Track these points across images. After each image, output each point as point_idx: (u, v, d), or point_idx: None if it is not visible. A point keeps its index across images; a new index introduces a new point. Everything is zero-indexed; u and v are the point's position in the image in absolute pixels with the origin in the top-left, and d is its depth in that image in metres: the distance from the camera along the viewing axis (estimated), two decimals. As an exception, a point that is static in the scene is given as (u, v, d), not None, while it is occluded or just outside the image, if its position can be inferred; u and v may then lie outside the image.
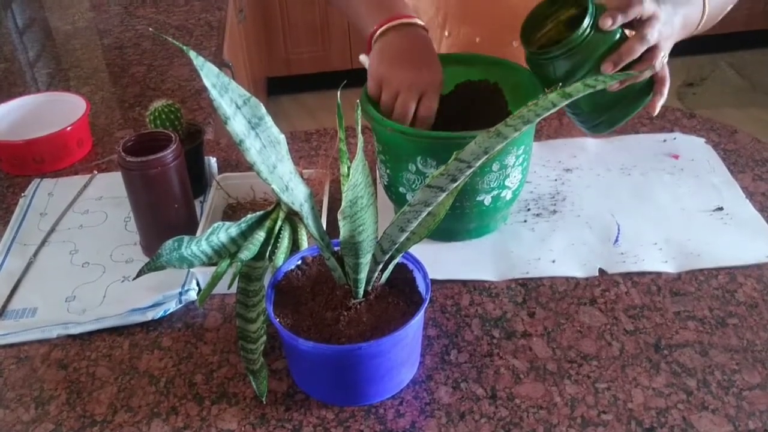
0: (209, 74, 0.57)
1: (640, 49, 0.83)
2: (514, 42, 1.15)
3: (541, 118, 0.56)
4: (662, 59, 0.86)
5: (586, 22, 0.83)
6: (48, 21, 1.74)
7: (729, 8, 1.01)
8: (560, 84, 0.87)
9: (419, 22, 0.91)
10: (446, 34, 1.18)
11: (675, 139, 1.10)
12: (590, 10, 0.83)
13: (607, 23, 0.83)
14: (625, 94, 0.89)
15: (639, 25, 0.84)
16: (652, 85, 0.89)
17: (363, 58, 0.89)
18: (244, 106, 0.60)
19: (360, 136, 0.64)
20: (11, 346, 0.82)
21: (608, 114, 0.91)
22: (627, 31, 0.86)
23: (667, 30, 0.85)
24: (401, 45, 0.89)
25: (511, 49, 1.15)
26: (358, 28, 0.98)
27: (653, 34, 0.83)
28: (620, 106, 0.90)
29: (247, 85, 2.42)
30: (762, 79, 3.33)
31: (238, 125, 0.60)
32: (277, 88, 3.34)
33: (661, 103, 0.89)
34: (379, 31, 0.90)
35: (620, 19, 0.83)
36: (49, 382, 0.77)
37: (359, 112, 0.70)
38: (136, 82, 1.40)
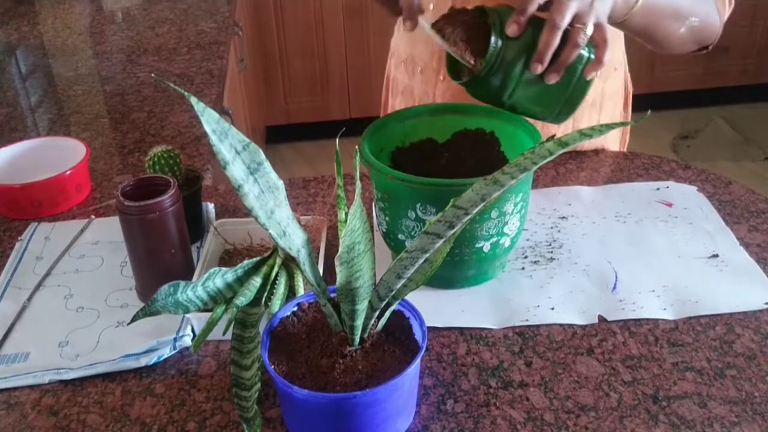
0: (209, 120, 0.58)
1: (556, 37, 0.82)
2: None
3: (538, 166, 0.57)
4: (586, 32, 0.84)
5: (492, 38, 0.83)
6: (51, 67, 1.77)
7: (693, 20, 1.00)
8: (505, 95, 0.87)
9: None
10: (441, 78, 1.20)
11: (668, 187, 1.11)
12: (492, 24, 0.83)
13: (513, 30, 0.82)
14: (568, 78, 0.88)
15: (549, 10, 0.83)
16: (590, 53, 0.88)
17: (423, 22, 0.88)
18: (243, 151, 0.61)
19: (358, 182, 0.65)
20: (2, 391, 0.81)
21: (562, 100, 0.90)
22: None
23: (582, 2, 0.83)
24: None
25: None
26: None
27: (564, 17, 0.82)
28: (569, 89, 0.89)
29: (246, 133, 2.44)
30: (755, 133, 3.37)
31: (237, 170, 0.60)
32: (275, 137, 3.37)
33: (597, 68, 0.87)
34: None
35: (523, 20, 0.82)
36: (39, 429, 0.76)
37: (357, 158, 0.71)
38: (136, 128, 1.41)
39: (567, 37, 0.84)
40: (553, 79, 0.86)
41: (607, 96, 1.22)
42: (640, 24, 0.97)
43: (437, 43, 0.88)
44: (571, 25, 0.84)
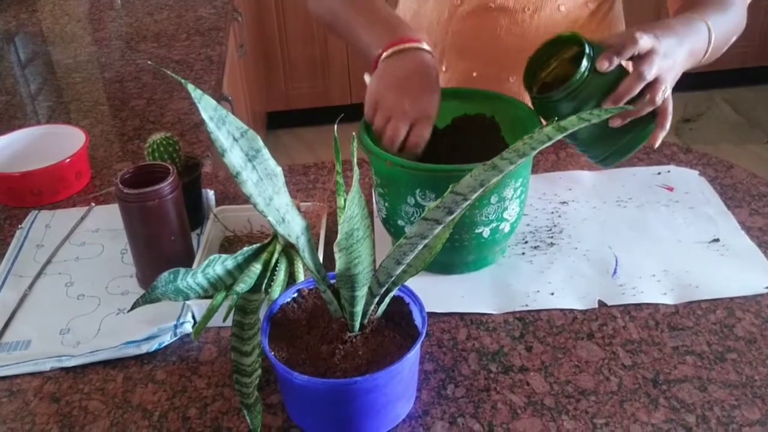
0: (207, 107, 0.58)
1: (638, 86, 0.84)
2: (511, 77, 1.16)
3: (537, 151, 0.57)
4: (663, 93, 0.86)
5: (584, 65, 0.84)
6: (50, 55, 1.76)
7: (734, 39, 1.02)
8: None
9: (425, 46, 0.91)
10: (443, 68, 1.20)
11: (669, 171, 1.11)
12: (587, 52, 0.85)
13: (604, 66, 0.84)
14: (628, 128, 0.89)
15: (637, 61, 0.85)
16: (655, 116, 0.89)
17: (368, 79, 0.90)
18: (241, 138, 0.60)
19: (356, 169, 0.65)
20: (3, 378, 0.81)
21: (614, 147, 0.91)
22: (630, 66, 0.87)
23: (667, 63, 0.85)
24: (403, 68, 0.89)
25: (508, 85, 1.16)
26: (362, 51, 0.97)
27: (651, 70, 0.84)
28: (625, 139, 0.90)
29: (247, 120, 2.44)
30: (758, 116, 3.36)
31: (235, 157, 0.60)
32: (276, 123, 3.36)
33: (662, 135, 0.90)
34: (384, 54, 0.90)
35: (616, 60, 0.84)
36: (41, 416, 0.76)
37: (355, 144, 0.70)
38: (136, 115, 1.41)
39: (645, 91, 0.86)
40: (616, 123, 0.88)
41: None
42: (711, 58, 0.98)
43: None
44: (649, 83, 0.85)
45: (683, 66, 0.89)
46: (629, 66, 0.87)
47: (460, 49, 1.17)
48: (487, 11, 1.12)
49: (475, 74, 1.18)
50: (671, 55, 0.86)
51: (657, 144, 0.91)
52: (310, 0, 1.12)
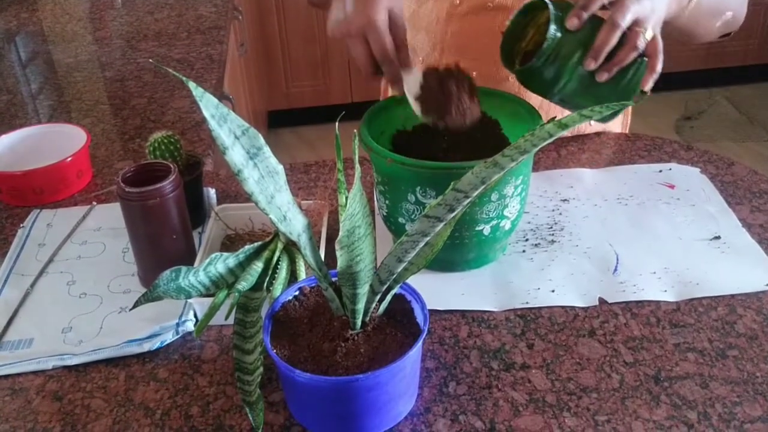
0: (208, 105, 0.58)
1: (615, 36, 0.82)
2: (510, 77, 1.16)
3: (538, 148, 0.57)
4: (644, 36, 0.83)
5: (552, 28, 0.83)
6: (51, 54, 1.76)
7: (729, 15, 1.00)
8: (556, 88, 0.87)
9: None
10: (420, 59, 1.20)
11: (671, 169, 1.11)
12: (552, 16, 0.83)
13: (573, 24, 0.82)
14: (619, 79, 0.87)
15: (610, 9, 0.82)
16: (645, 59, 0.87)
17: (408, 95, 0.89)
18: (242, 136, 0.61)
19: (357, 167, 0.65)
20: (6, 377, 0.81)
21: (612, 99, 0.88)
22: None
23: (643, 6, 0.83)
24: None
25: (507, 84, 1.16)
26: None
27: (625, 17, 0.81)
28: (618, 89, 0.88)
29: (248, 118, 2.44)
30: (759, 113, 3.36)
31: (236, 155, 0.60)
32: (277, 121, 3.36)
33: (652, 78, 0.86)
34: None
35: (585, 15, 0.82)
36: (44, 414, 0.76)
37: (356, 142, 0.70)
38: (137, 114, 1.41)
39: (624, 39, 0.84)
40: (603, 77, 0.85)
41: None
42: (684, 24, 0.97)
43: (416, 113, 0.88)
44: (629, 27, 0.83)
45: (665, 8, 0.87)
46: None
47: (459, 48, 1.17)
48: (485, 11, 1.12)
49: (474, 74, 1.18)
50: (646, 1, 0.83)
51: (647, 87, 0.87)
52: None
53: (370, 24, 0.84)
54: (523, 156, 0.57)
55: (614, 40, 0.82)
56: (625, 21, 0.82)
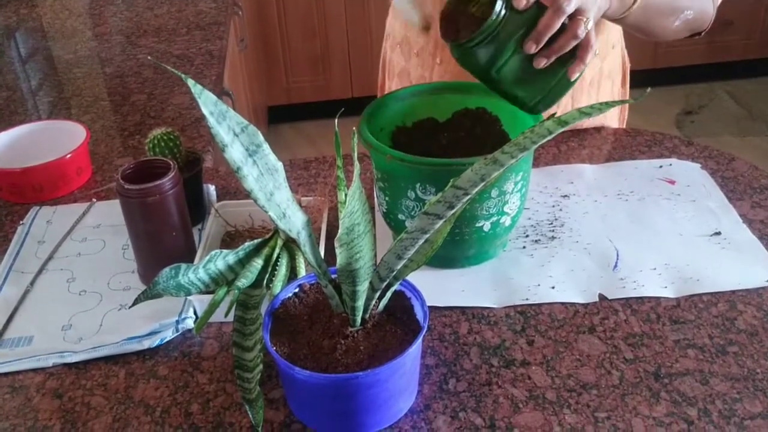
0: (207, 102, 0.58)
1: (558, 22, 0.81)
2: None
3: (538, 145, 0.56)
4: (585, 25, 0.82)
5: (498, 5, 0.81)
6: (51, 50, 1.76)
7: (690, 15, 1.00)
8: (493, 69, 0.85)
9: None
10: (438, 61, 1.19)
11: (671, 165, 1.11)
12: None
13: (520, 3, 0.81)
14: (556, 69, 0.86)
15: None
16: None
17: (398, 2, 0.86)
18: (241, 133, 0.60)
19: (357, 164, 0.65)
20: (6, 375, 0.81)
21: (545, 90, 0.87)
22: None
23: None
24: None
25: None
26: None
27: (570, 4, 0.81)
28: (553, 81, 0.87)
29: (248, 114, 2.44)
30: (760, 108, 3.35)
31: (235, 152, 0.60)
32: (277, 117, 3.36)
33: (580, 69, 0.85)
34: None
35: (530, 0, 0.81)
36: (44, 412, 0.76)
37: (355, 139, 0.70)
38: (137, 111, 1.41)
39: (565, 26, 0.83)
40: (541, 63, 0.84)
41: (605, 74, 1.22)
42: (636, 21, 0.97)
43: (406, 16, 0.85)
44: (571, 15, 0.82)
45: (606, 2, 0.87)
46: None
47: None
48: None
49: None
50: None
51: (573, 77, 0.86)
52: None
53: None
54: (523, 153, 0.57)
55: (556, 26, 0.81)
56: (570, 7, 0.81)
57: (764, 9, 3.25)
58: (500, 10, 0.81)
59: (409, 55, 1.23)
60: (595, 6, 0.84)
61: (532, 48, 0.82)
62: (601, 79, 1.21)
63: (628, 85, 1.29)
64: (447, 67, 1.19)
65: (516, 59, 0.84)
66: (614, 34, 1.20)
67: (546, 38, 0.82)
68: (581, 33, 0.82)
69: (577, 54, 0.85)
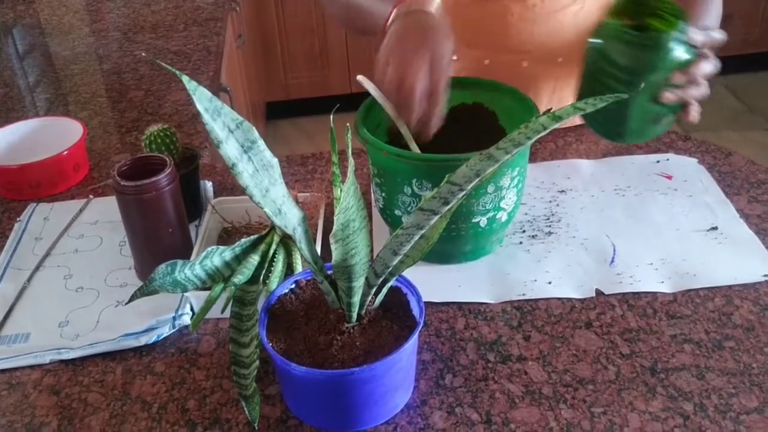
0: (202, 98, 0.58)
1: (711, 73, 0.86)
2: (524, 62, 1.16)
3: (533, 140, 0.56)
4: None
5: (682, 25, 0.83)
6: (48, 47, 1.76)
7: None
8: (625, 79, 0.85)
9: (432, 9, 0.90)
10: (454, 57, 1.18)
11: (668, 160, 1.11)
12: (681, 22, 0.83)
13: (698, 39, 0.83)
14: (664, 111, 0.88)
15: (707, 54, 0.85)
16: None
17: (361, 78, 0.90)
18: (236, 129, 0.60)
19: (351, 160, 0.65)
20: (3, 371, 0.81)
21: (642, 125, 0.89)
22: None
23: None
24: (411, 24, 0.88)
25: (520, 70, 1.15)
26: (375, 27, 0.96)
27: (714, 63, 0.86)
28: (657, 122, 0.89)
29: (246, 110, 2.43)
30: (759, 102, 3.35)
31: (230, 149, 0.60)
32: (275, 113, 3.36)
33: (695, 112, 0.89)
34: (391, 17, 0.90)
35: (708, 43, 0.84)
36: (41, 408, 0.77)
37: (349, 135, 0.70)
38: (134, 107, 1.41)
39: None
40: (667, 99, 0.86)
41: None
42: None
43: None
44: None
45: None
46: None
47: (470, 37, 1.16)
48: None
49: (487, 62, 1.17)
50: None
51: (689, 119, 0.89)
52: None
53: (405, 92, 0.84)
54: (518, 149, 0.57)
55: (708, 75, 0.86)
56: (718, 64, 0.86)
57: (763, 3, 3.25)
58: (684, 31, 0.83)
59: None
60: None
61: (681, 79, 0.84)
62: None
63: None
64: (464, 63, 1.18)
65: (652, 83, 0.85)
66: None
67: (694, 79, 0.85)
68: (705, 90, 0.87)
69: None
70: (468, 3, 1.14)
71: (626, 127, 0.89)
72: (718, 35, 0.85)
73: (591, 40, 0.88)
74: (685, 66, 0.84)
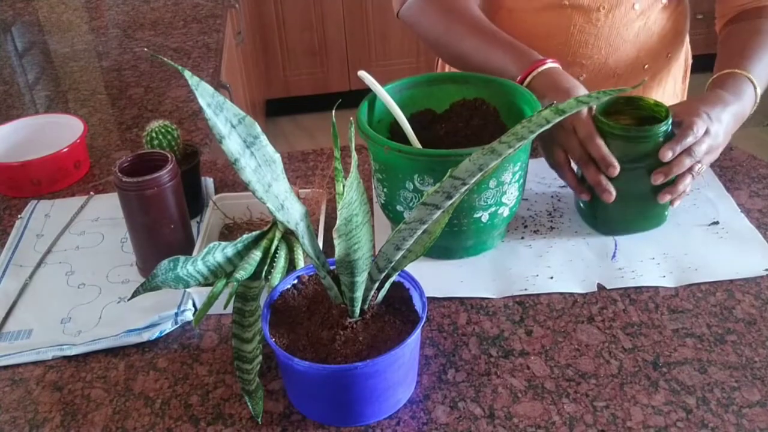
0: (204, 93, 0.58)
1: (689, 165, 0.87)
2: (581, 75, 1.16)
3: (536, 134, 0.56)
4: (699, 170, 0.89)
5: (663, 128, 0.87)
6: (47, 44, 1.75)
7: None
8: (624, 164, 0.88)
9: (555, 63, 0.96)
10: None
11: (671, 156, 1.10)
12: (668, 122, 0.87)
13: (667, 155, 0.86)
14: (657, 209, 0.93)
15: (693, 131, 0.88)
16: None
17: (362, 74, 0.90)
18: (239, 125, 0.60)
19: (354, 155, 0.65)
20: (6, 368, 0.81)
21: (632, 219, 0.94)
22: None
23: (716, 143, 0.90)
24: (544, 93, 0.92)
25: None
26: (488, 71, 1.00)
27: (701, 151, 0.87)
28: (648, 217, 0.94)
29: (246, 107, 2.43)
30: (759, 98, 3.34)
31: (233, 144, 0.60)
32: (275, 110, 3.35)
33: (678, 197, 0.91)
34: (528, 79, 0.95)
35: (678, 150, 0.86)
36: (44, 405, 0.77)
37: (352, 130, 0.70)
38: (134, 104, 1.40)
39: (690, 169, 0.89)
40: (665, 198, 0.89)
41: (671, 74, 1.23)
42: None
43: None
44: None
45: (728, 137, 0.94)
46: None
47: (530, 47, 1.16)
48: (561, 9, 1.11)
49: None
50: (716, 136, 0.89)
51: (676, 204, 0.92)
52: (407, 8, 1.13)
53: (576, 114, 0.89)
54: (521, 142, 0.56)
55: (686, 167, 0.88)
56: (700, 154, 0.88)
57: None
58: (663, 131, 0.87)
59: None
60: (714, 154, 0.91)
61: (660, 179, 0.87)
62: (668, 78, 1.23)
63: (687, 81, 1.30)
64: None
65: (637, 176, 0.89)
66: (683, 24, 1.21)
67: (674, 175, 0.88)
68: (696, 175, 0.89)
69: (675, 182, 0.90)
70: (531, 11, 1.13)
71: (618, 220, 0.94)
72: (692, 138, 0.87)
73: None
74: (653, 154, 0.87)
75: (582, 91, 0.92)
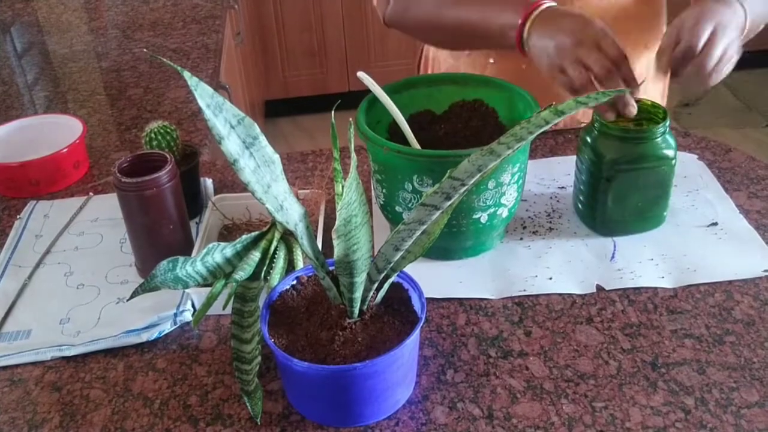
0: (203, 94, 0.58)
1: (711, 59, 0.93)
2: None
3: (534, 136, 0.57)
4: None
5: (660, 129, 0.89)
6: (46, 45, 1.76)
7: None
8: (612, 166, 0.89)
9: (552, 2, 0.96)
10: (491, 60, 1.17)
11: (669, 157, 1.10)
12: (666, 123, 0.89)
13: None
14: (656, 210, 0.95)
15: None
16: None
17: (362, 75, 0.90)
18: (238, 125, 0.60)
19: (353, 155, 0.65)
20: (4, 368, 0.81)
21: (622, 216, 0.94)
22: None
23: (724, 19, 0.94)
24: (557, 19, 0.92)
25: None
26: (487, 36, 1.00)
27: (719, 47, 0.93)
28: (646, 215, 0.95)
29: (245, 108, 2.43)
30: (757, 100, 3.35)
31: (232, 145, 0.60)
32: (275, 111, 3.35)
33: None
34: (529, 22, 0.94)
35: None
36: (43, 405, 0.77)
37: (352, 131, 0.70)
38: (133, 105, 1.40)
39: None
40: (608, 116, 0.90)
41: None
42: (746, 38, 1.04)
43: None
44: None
45: (730, 29, 0.96)
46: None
47: None
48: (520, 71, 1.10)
49: (524, 66, 1.15)
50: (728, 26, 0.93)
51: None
52: (390, 9, 1.13)
53: (601, 31, 0.89)
54: (520, 143, 0.57)
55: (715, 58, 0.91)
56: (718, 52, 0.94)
57: (761, 0, 3.25)
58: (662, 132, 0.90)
59: (458, 54, 1.21)
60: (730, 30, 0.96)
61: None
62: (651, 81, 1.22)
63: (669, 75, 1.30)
64: (501, 66, 1.16)
65: (638, 173, 0.91)
66: (659, 12, 1.20)
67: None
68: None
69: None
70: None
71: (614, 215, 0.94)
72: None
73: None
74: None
75: (588, 16, 0.91)
